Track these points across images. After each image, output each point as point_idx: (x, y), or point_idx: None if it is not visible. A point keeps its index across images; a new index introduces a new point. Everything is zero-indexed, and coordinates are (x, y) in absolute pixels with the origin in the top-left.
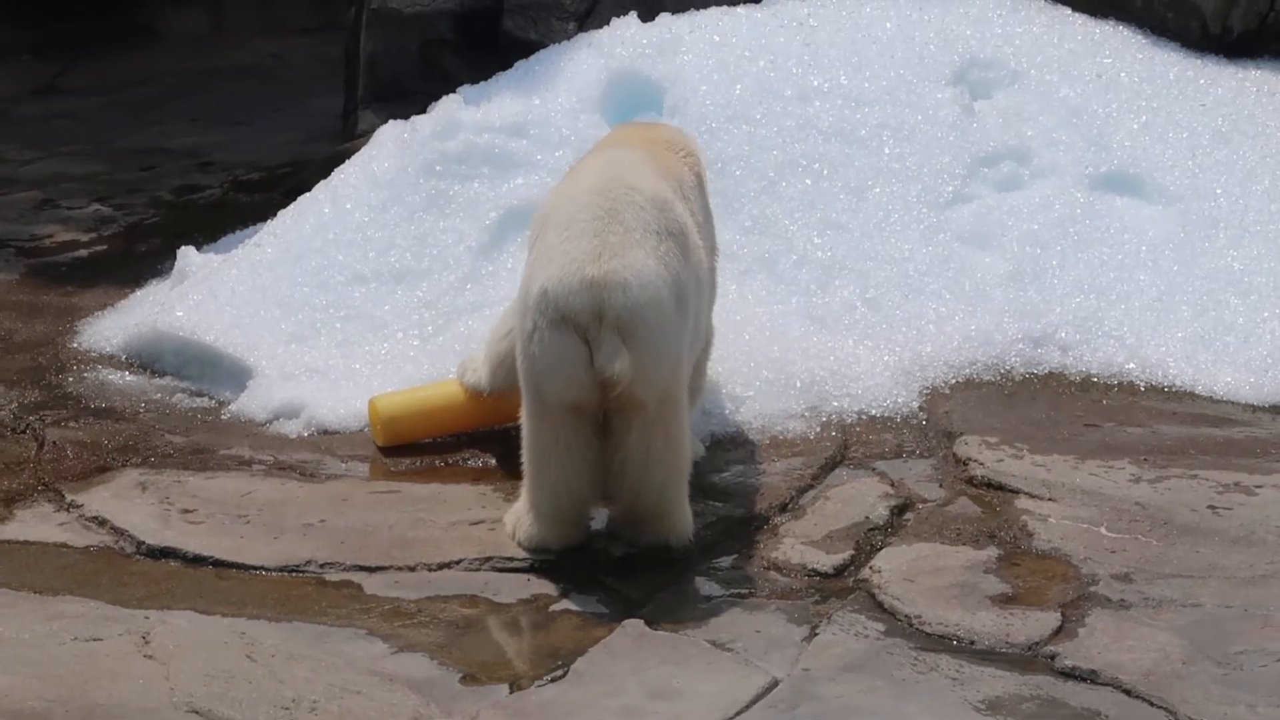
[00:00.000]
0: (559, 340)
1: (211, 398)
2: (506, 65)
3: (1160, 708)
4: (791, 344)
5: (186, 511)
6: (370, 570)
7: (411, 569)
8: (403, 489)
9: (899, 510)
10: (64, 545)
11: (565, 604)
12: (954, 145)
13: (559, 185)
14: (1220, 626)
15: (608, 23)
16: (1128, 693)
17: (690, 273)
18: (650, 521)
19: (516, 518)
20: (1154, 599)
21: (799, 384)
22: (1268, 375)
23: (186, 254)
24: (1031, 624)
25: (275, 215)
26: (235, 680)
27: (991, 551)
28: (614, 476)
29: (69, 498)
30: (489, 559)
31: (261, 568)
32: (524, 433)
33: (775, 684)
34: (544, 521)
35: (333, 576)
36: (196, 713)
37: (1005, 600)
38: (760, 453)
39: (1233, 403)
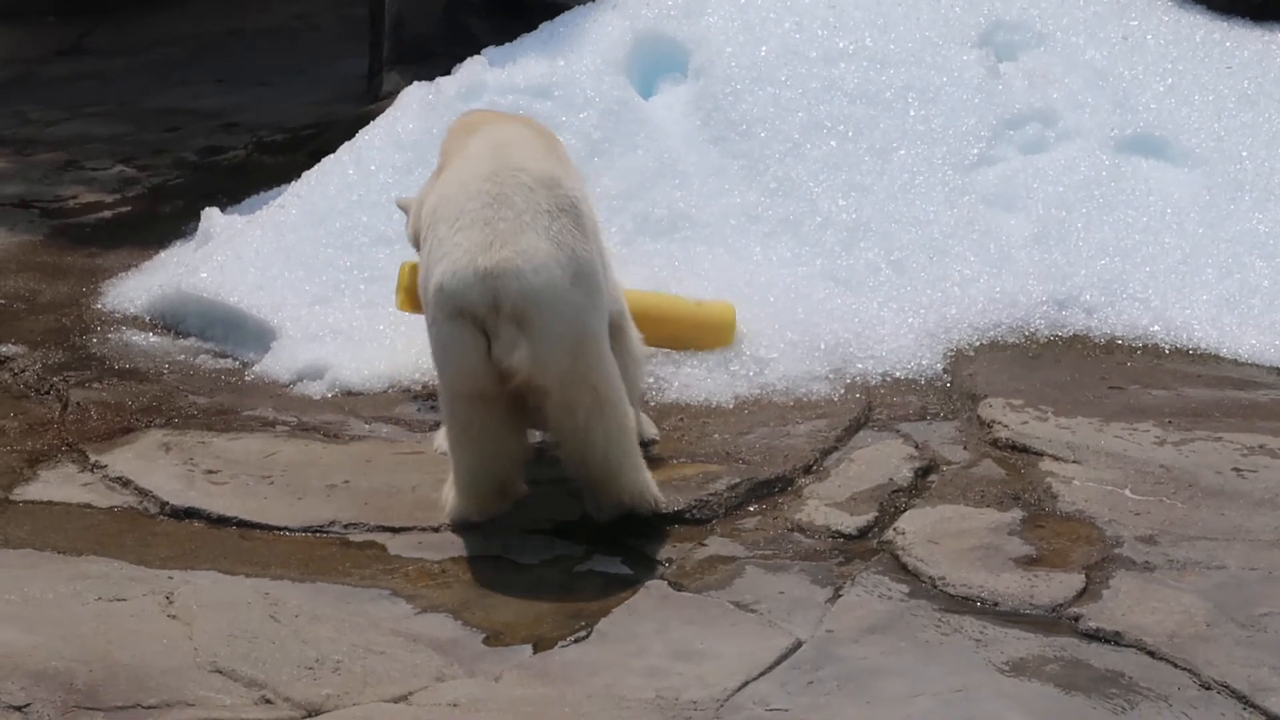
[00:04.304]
0: (456, 333)
1: (235, 359)
2: (531, 27)
3: (1184, 670)
4: (816, 306)
5: (210, 472)
6: (394, 531)
7: (435, 530)
8: (426, 450)
9: (923, 472)
10: (88, 506)
11: (589, 565)
12: (979, 107)
13: (447, 175)
14: (1244, 589)
15: None
16: (1151, 654)
17: (590, 245)
18: (603, 486)
19: (445, 490)
20: (1178, 561)
21: (823, 346)
22: None
23: (210, 215)
24: (1055, 586)
25: (299, 176)
26: (258, 640)
27: (1016, 513)
28: (559, 450)
29: (93, 458)
30: (512, 520)
31: (285, 528)
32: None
33: (799, 645)
34: (464, 496)
35: (356, 537)
36: (220, 672)
37: (1029, 562)
38: (784, 414)
39: (1258, 365)
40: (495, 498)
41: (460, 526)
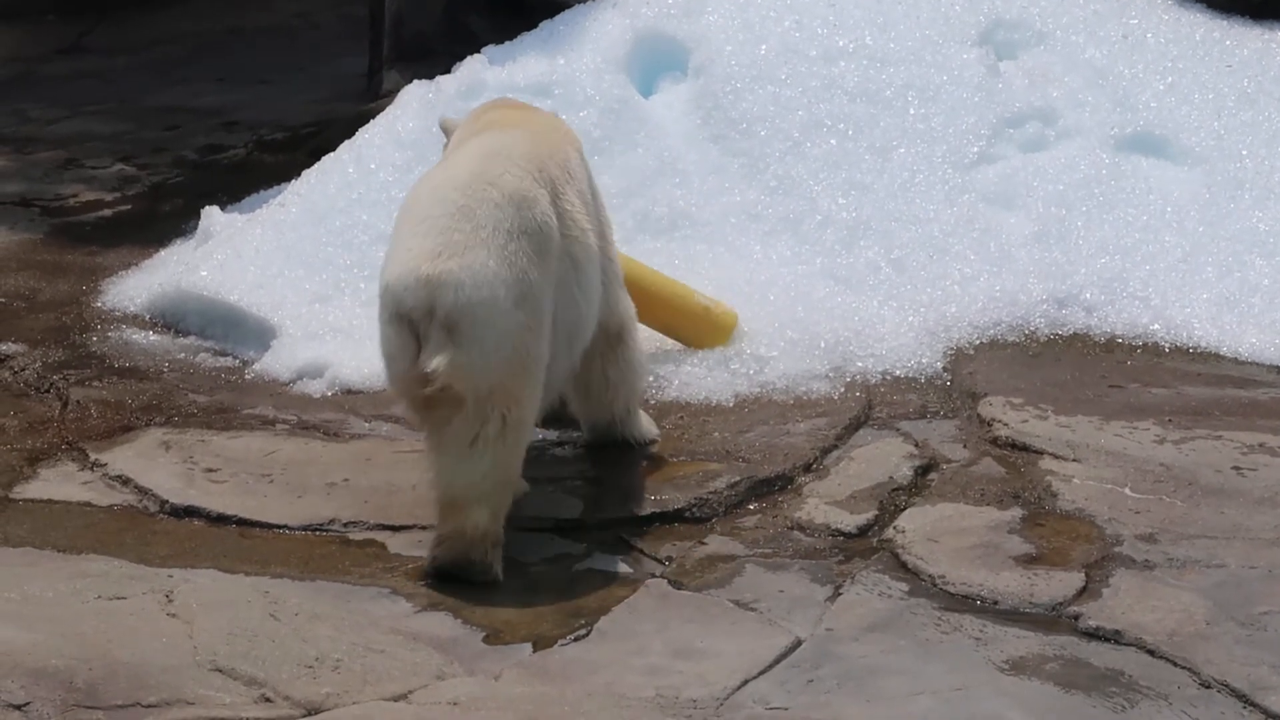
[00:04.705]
0: (394, 335)
1: (235, 357)
2: (531, 25)
3: (1184, 668)
4: (816, 305)
5: (210, 471)
6: (394, 529)
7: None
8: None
9: (923, 470)
10: (88, 504)
11: (589, 563)
12: (979, 106)
13: (431, 170)
14: (1244, 587)
15: None
16: (1151, 653)
17: (543, 272)
18: (451, 510)
19: None
20: (1178, 560)
21: (823, 344)
22: None
23: (210, 214)
24: (1055, 584)
25: (299, 175)
26: (258, 639)
27: (1015, 512)
28: (430, 461)
29: (93, 457)
30: (512, 518)
31: (285, 527)
32: None
33: (799, 644)
34: None
35: (356, 535)
36: (219, 671)
37: (1029, 560)
38: (784, 413)
39: (1257, 364)
40: None
41: None
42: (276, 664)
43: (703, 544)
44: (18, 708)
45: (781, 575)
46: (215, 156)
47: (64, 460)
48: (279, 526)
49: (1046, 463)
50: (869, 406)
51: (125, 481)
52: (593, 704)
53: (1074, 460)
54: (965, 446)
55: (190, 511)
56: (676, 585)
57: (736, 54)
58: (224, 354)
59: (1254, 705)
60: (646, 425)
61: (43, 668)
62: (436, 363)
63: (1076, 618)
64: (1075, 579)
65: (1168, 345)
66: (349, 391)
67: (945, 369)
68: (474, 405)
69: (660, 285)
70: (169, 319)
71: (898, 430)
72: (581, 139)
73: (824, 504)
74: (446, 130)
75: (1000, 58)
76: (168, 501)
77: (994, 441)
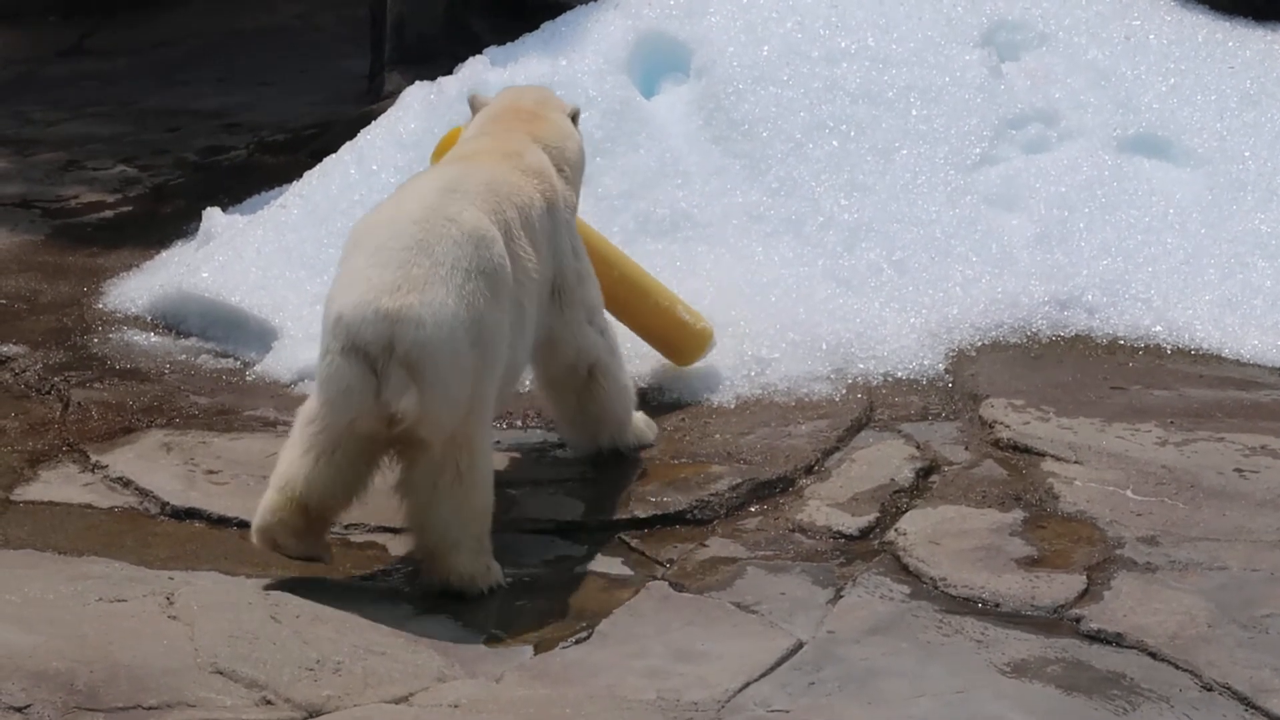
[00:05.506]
0: (348, 368)
1: (236, 359)
2: (533, 26)
3: (1185, 671)
4: (817, 306)
5: (211, 473)
6: (394, 531)
7: None
8: None
9: (924, 473)
10: (89, 506)
11: (589, 566)
12: (981, 107)
13: (385, 202)
14: (1246, 590)
15: None
16: (1153, 655)
17: (497, 313)
18: (433, 560)
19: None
20: (1180, 562)
21: (825, 346)
22: None
23: (212, 215)
24: (1057, 587)
25: (301, 176)
26: (259, 641)
27: (1017, 514)
28: (400, 507)
29: (94, 459)
30: (513, 520)
31: None
32: (299, 418)
33: (800, 646)
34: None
35: (357, 537)
36: (220, 673)
37: (1031, 563)
38: (786, 414)
39: (1259, 365)
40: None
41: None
42: (278, 666)
43: (704, 546)
44: (18, 710)
45: (783, 577)
46: (216, 158)
47: (65, 462)
48: None
49: (1048, 465)
50: (870, 408)
51: (126, 483)
52: (594, 706)
53: (1076, 462)
54: (967, 448)
55: (191, 513)
56: (677, 587)
57: (738, 55)
58: (225, 355)
59: (1256, 708)
60: (638, 434)
61: (43, 670)
62: (405, 405)
63: (1078, 620)
64: (1077, 581)
65: (1170, 347)
66: None
67: (947, 371)
68: (440, 450)
69: (646, 289)
70: (170, 320)
71: (899, 432)
72: (583, 140)
73: (825, 506)
74: (474, 107)
75: (1002, 59)
76: (169, 503)
77: (996, 443)
